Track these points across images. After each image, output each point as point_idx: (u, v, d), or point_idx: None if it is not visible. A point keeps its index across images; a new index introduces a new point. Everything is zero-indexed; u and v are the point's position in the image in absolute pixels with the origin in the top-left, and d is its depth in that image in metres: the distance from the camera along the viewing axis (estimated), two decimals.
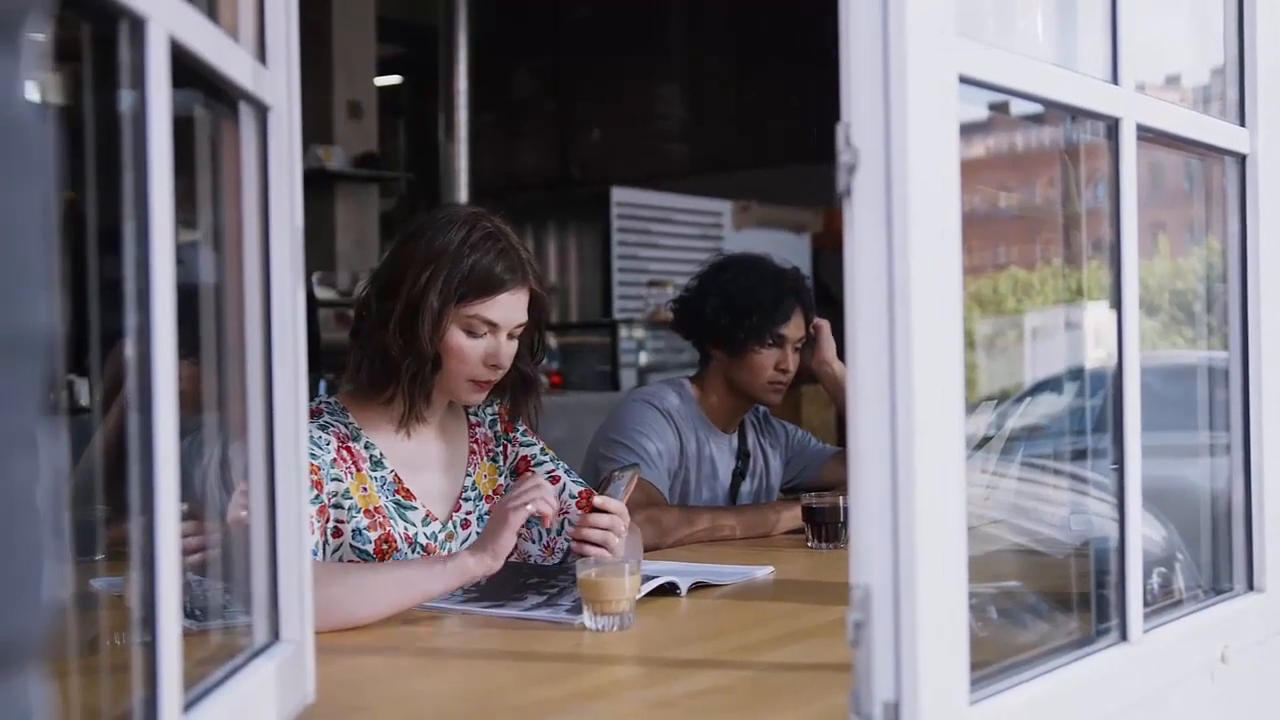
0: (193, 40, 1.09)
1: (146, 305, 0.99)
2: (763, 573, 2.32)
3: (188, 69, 1.10)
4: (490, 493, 2.33)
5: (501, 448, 2.37)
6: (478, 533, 2.26)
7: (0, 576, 0.52)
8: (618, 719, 1.48)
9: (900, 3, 1.15)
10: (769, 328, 2.95)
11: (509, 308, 2.18)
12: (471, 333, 2.16)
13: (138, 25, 0.98)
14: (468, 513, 2.29)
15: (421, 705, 1.56)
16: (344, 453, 2.14)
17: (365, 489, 2.15)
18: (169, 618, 1.00)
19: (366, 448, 2.19)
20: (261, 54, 1.34)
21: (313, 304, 5.96)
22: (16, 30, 0.53)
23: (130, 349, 1.00)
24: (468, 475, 2.31)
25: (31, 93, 0.56)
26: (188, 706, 1.07)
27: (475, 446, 2.34)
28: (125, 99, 1.00)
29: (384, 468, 2.19)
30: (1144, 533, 1.55)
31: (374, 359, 2.17)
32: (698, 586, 2.15)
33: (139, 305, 0.99)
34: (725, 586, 2.19)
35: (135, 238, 1.00)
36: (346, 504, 2.11)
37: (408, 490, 2.20)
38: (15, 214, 0.52)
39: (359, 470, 2.16)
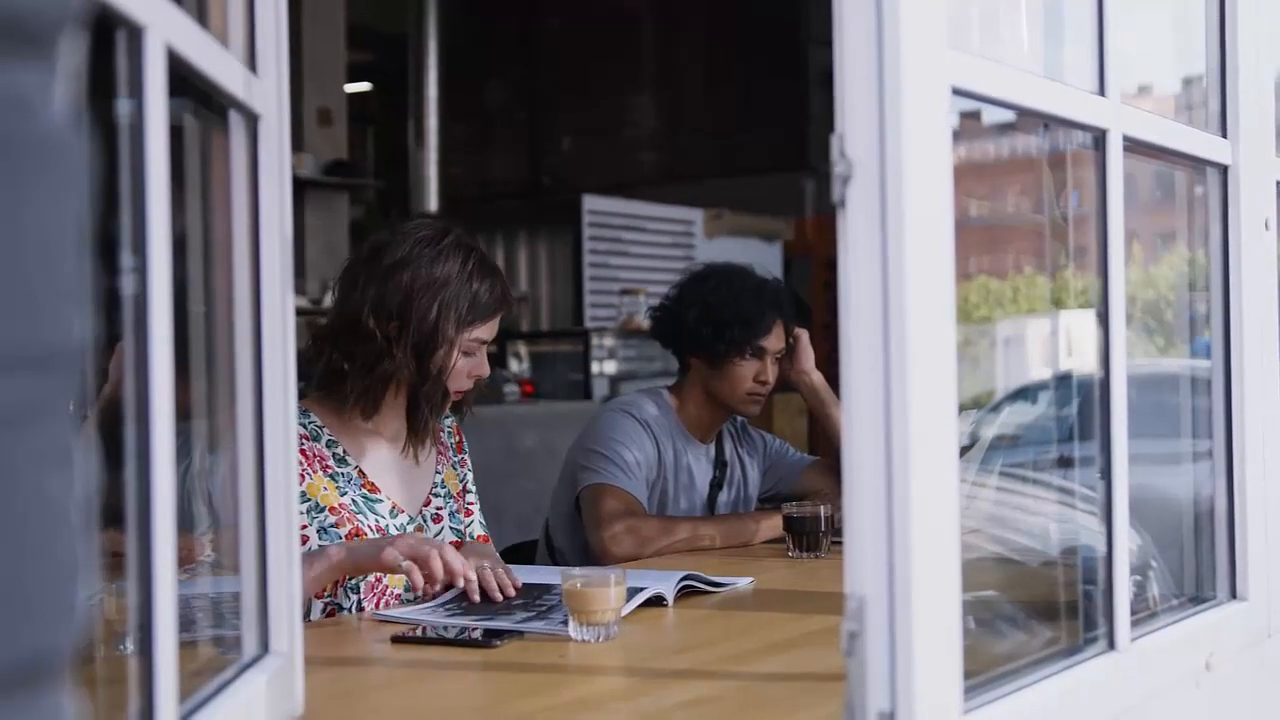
0: (189, 49, 1.08)
1: (144, 313, 0.98)
2: (744, 583, 2.32)
3: (180, 77, 1.09)
4: (456, 493, 2.43)
5: (460, 458, 2.48)
6: (451, 527, 2.38)
7: (37, 591, 0.51)
8: None
9: (895, 15, 1.16)
10: (750, 340, 2.95)
11: (497, 325, 2.32)
12: (467, 354, 2.27)
13: (135, 34, 0.98)
14: (438, 508, 2.38)
15: (409, 718, 1.56)
16: (299, 454, 2.16)
17: (326, 489, 2.20)
18: (165, 630, 0.99)
19: (329, 446, 2.25)
20: (252, 62, 1.33)
21: None
22: (51, 44, 0.53)
23: (126, 358, 0.99)
24: (437, 473, 2.40)
25: (66, 105, 0.55)
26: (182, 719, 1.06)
27: (441, 448, 2.44)
28: (122, 107, 0.99)
29: (348, 465, 2.25)
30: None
31: (380, 384, 2.23)
32: (685, 590, 2.15)
33: (136, 313, 0.98)
34: (710, 596, 2.19)
35: (132, 246, 0.99)
36: (304, 505, 2.15)
37: (373, 484, 2.27)
38: (50, 228, 0.51)
39: (316, 472, 2.21)
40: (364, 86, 10.12)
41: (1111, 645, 1.50)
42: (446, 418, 2.47)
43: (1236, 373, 1.80)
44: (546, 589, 2.14)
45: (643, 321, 7.08)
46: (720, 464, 3.11)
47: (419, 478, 2.36)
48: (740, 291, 2.97)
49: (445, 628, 1.90)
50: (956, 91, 1.25)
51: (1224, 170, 1.81)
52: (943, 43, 1.22)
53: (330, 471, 2.22)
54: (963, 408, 2.27)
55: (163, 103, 1.01)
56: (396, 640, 1.85)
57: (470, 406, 2.40)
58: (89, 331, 0.56)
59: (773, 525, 2.79)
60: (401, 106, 8.74)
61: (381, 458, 2.30)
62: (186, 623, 1.38)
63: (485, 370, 2.32)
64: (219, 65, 1.19)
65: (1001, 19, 1.76)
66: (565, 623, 1.86)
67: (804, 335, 3.09)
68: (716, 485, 3.10)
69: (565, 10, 9.78)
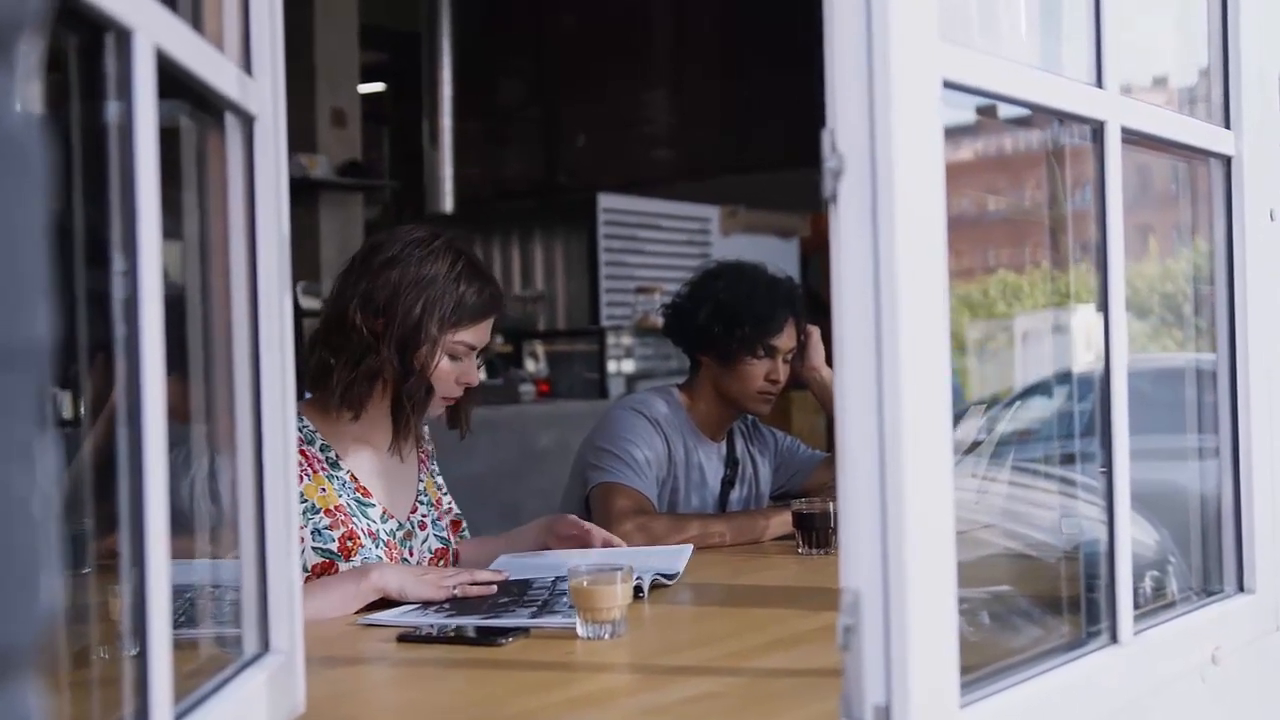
0: (179, 51, 1.08)
1: (134, 316, 0.99)
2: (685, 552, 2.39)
3: (173, 79, 1.10)
4: (435, 501, 2.46)
5: (435, 465, 2.52)
6: (434, 535, 2.42)
7: None
8: None
9: (884, 8, 1.15)
10: (761, 339, 2.94)
11: (487, 331, 2.34)
12: (454, 357, 2.29)
13: (124, 36, 0.98)
14: (423, 515, 2.42)
15: (413, 716, 1.56)
16: (300, 453, 2.19)
17: (324, 490, 2.24)
18: (159, 629, 1.00)
19: (322, 450, 2.28)
20: (247, 64, 1.34)
21: (297, 314, 5.93)
22: (12, 44, 0.54)
23: (118, 361, 1.00)
24: (420, 481, 2.44)
25: (27, 105, 0.56)
26: (179, 717, 1.07)
27: (423, 457, 2.48)
28: (111, 110, 1.00)
29: (341, 469, 2.29)
30: (1136, 536, 1.55)
31: (364, 380, 2.25)
32: (660, 586, 2.19)
33: (127, 317, 0.99)
34: (718, 593, 2.20)
35: (122, 249, 0.99)
36: (301, 507, 2.18)
37: (365, 488, 2.30)
38: (13, 226, 0.52)
39: (315, 473, 2.25)
40: (378, 87, 10.14)
41: (1114, 639, 1.50)
42: (426, 431, 2.50)
43: (1241, 364, 1.80)
44: (528, 585, 2.16)
45: (658, 320, 7.07)
46: (732, 462, 3.11)
47: (404, 484, 2.40)
48: (752, 289, 2.97)
49: (449, 627, 1.90)
50: (949, 84, 1.25)
51: (1228, 161, 1.80)
52: (934, 34, 1.22)
53: (327, 473, 2.26)
54: (979, 403, 2.26)
55: (152, 105, 1.01)
56: (402, 639, 1.85)
57: (468, 420, 2.41)
58: (55, 330, 0.57)
59: (782, 522, 2.79)
60: (415, 107, 8.75)
61: (370, 463, 2.34)
62: (190, 620, 1.39)
63: (474, 378, 2.34)
64: (211, 67, 1.20)
65: (1000, 13, 1.75)
66: (568, 614, 1.86)
67: (815, 332, 3.09)
68: (729, 483, 3.10)
69: (578, 8, 9.77)
